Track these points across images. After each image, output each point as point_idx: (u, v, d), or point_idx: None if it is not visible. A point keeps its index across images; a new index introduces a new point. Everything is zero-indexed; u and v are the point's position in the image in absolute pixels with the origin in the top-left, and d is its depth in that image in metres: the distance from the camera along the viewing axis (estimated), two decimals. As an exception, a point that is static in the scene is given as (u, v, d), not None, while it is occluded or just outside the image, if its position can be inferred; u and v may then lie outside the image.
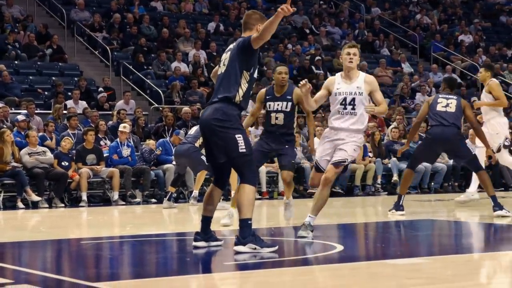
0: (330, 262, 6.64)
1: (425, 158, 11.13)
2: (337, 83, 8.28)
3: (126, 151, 14.84)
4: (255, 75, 7.07)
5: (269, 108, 9.45)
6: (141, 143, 15.96)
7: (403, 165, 14.63)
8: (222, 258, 6.95)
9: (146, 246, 7.99)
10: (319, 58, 22.14)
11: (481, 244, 8.50)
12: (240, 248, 6.75)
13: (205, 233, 7.19)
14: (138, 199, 14.50)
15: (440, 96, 10.68)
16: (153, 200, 14.74)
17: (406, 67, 24.14)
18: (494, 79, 11.50)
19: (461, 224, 10.29)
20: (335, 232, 9.60)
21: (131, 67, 19.85)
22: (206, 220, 7.19)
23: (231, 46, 7.17)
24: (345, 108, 8.14)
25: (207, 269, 6.54)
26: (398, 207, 10.73)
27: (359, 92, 8.15)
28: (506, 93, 23.51)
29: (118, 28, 21.56)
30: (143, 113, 17.55)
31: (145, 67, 20.10)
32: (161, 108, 17.93)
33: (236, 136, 6.82)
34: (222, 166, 7.05)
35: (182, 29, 22.11)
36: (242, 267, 6.42)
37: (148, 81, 19.40)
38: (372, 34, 25.62)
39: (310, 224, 8.02)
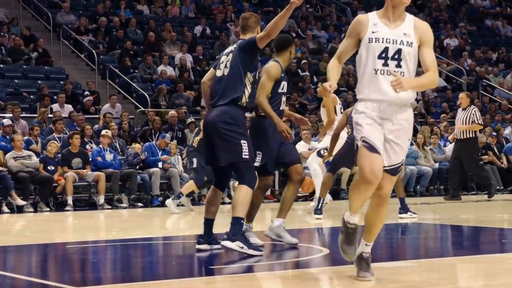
0: (315, 265, 6.65)
1: (345, 162, 11.18)
2: (372, 23, 5.41)
3: (109, 156, 14.84)
4: (257, 76, 7.17)
5: None
6: (127, 147, 15.93)
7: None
8: (209, 262, 6.95)
9: (132, 250, 7.98)
10: (306, 61, 22.18)
11: (466, 247, 8.53)
12: (228, 243, 6.82)
13: (208, 235, 7.24)
14: (124, 204, 14.47)
15: None
16: (140, 204, 14.71)
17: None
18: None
19: (447, 228, 10.33)
20: (321, 235, 9.63)
21: (117, 70, 19.82)
22: (209, 223, 7.25)
23: (231, 48, 7.24)
24: (385, 64, 5.28)
25: (192, 273, 6.54)
26: (316, 211, 10.85)
27: (407, 42, 5.34)
28: (491, 97, 23.69)
29: (104, 31, 21.53)
30: (130, 116, 17.53)
31: (131, 70, 20.08)
32: (147, 112, 17.91)
33: (242, 142, 6.92)
34: (223, 169, 7.15)
35: (168, 32, 22.10)
36: (228, 271, 6.43)
37: (134, 84, 19.38)
38: (358, 38, 25.64)
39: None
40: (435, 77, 5.35)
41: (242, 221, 6.89)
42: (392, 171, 5.40)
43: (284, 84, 7.55)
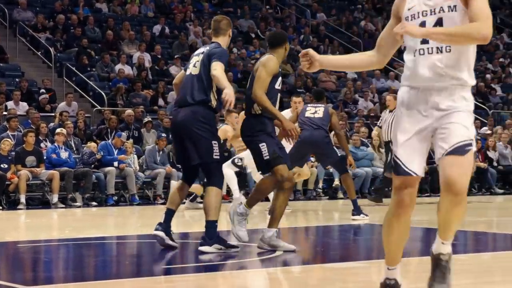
0: (267, 266, 6.68)
1: (294, 161, 11.24)
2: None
3: (64, 154, 14.74)
4: None
5: None
6: (83, 145, 15.82)
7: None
8: (162, 261, 6.94)
9: (85, 250, 7.93)
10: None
11: (418, 248, 8.62)
12: (206, 248, 6.92)
13: (167, 225, 7.30)
14: (78, 203, 14.37)
15: (309, 105, 11.52)
16: (94, 203, 14.60)
17: (350, 73, 24.36)
18: None
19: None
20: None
21: (74, 68, 19.66)
22: (170, 213, 7.31)
23: (202, 49, 7.29)
24: (424, 42, 4.25)
25: (145, 273, 6.52)
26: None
27: (449, 7, 4.24)
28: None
29: (62, 29, 21.35)
30: (86, 115, 17.41)
31: (89, 69, 19.93)
32: (103, 110, 17.80)
33: (213, 142, 6.98)
34: (194, 167, 7.24)
35: (127, 31, 21.99)
36: (180, 271, 6.44)
37: (91, 83, 19.24)
38: (317, 40, 25.81)
39: None
40: (478, 27, 4.07)
41: (216, 224, 6.95)
42: (456, 150, 4.15)
43: (280, 80, 7.32)
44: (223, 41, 7.32)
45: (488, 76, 26.47)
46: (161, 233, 7.25)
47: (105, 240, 8.86)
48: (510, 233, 9.58)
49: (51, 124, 16.22)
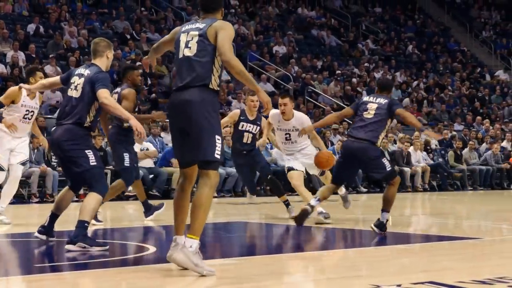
0: (140, 263, 6.62)
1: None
2: None
3: None
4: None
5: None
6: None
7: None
8: (35, 260, 6.77)
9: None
10: (140, 63, 22.00)
11: (290, 245, 8.75)
12: (70, 246, 7.00)
13: (50, 228, 7.60)
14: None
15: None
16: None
17: (224, 75, 24.46)
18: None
19: (272, 227, 10.54)
20: (151, 234, 9.59)
21: None
22: (54, 217, 7.60)
23: (82, 70, 7.37)
24: None
25: (15, 271, 6.33)
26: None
27: None
28: (316, 103, 24.43)
29: None
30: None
31: (-40, 67, 19.21)
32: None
33: (86, 151, 7.20)
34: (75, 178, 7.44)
35: (0, 29, 21.29)
36: (52, 269, 6.29)
37: (-38, 81, 18.54)
38: (193, 42, 25.71)
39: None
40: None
41: (86, 225, 7.07)
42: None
43: None
44: (102, 63, 7.43)
45: (354, 80, 27.16)
46: (43, 236, 7.56)
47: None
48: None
49: None
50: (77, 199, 12.81)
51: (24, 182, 15.10)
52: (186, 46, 5.80)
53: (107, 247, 7.17)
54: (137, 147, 15.70)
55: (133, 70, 10.09)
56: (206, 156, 5.63)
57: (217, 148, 5.64)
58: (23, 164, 10.15)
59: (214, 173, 5.68)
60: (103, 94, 7.02)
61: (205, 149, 5.62)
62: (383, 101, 9.01)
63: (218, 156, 5.65)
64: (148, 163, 16.26)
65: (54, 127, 7.42)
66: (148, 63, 6.62)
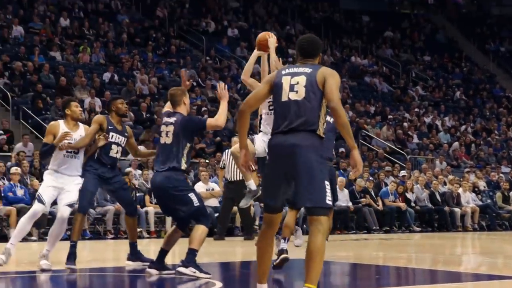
0: None
1: None
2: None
3: (20, 191, 14.60)
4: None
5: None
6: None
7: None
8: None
9: (35, 282, 7.84)
10: (205, 109, 22.38)
11: (341, 283, 8.76)
12: (182, 269, 7.48)
13: (160, 263, 7.93)
14: (34, 237, 14.20)
15: None
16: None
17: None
18: None
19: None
20: (218, 269, 9.74)
21: (30, 111, 19.52)
22: (163, 253, 7.94)
23: (171, 119, 7.82)
24: None
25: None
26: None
27: None
28: (370, 146, 24.43)
29: (19, 75, 21.21)
30: (41, 155, 17.24)
31: (43, 112, 19.81)
32: (57, 151, 17.64)
33: (189, 194, 7.72)
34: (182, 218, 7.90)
35: (79, 78, 21.95)
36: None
37: (45, 125, 19.07)
38: (253, 89, 26.02)
39: None
40: None
41: (196, 253, 7.54)
42: None
43: None
44: (182, 109, 7.93)
45: (405, 124, 27.12)
46: (153, 271, 7.89)
47: (57, 273, 8.76)
48: (428, 268, 9.83)
49: (9, 163, 16.05)
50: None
51: (100, 220, 15.46)
52: (292, 89, 5.42)
53: (211, 275, 7.55)
54: (203, 187, 16.01)
55: (116, 99, 9.13)
56: (319, 202, 5.30)
57: (327, 194, 5.31)
58: (70, 206, 8.84)
59: (325, 219, 5.30)
60: (209, 122, 7.90)
61: (317, 195, 5.29)
62: None
63: (330, 202, 5.33)
64: (213, 202, 16.45)
65: (154, 174, 7.93)
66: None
